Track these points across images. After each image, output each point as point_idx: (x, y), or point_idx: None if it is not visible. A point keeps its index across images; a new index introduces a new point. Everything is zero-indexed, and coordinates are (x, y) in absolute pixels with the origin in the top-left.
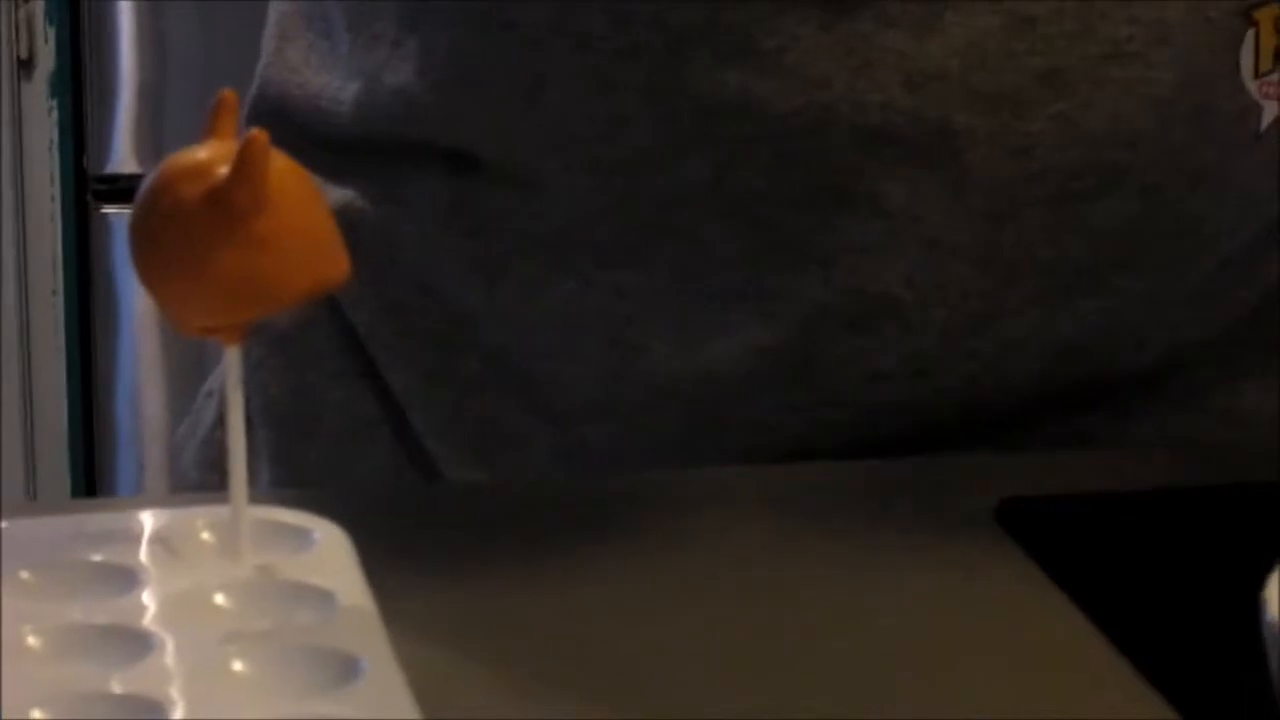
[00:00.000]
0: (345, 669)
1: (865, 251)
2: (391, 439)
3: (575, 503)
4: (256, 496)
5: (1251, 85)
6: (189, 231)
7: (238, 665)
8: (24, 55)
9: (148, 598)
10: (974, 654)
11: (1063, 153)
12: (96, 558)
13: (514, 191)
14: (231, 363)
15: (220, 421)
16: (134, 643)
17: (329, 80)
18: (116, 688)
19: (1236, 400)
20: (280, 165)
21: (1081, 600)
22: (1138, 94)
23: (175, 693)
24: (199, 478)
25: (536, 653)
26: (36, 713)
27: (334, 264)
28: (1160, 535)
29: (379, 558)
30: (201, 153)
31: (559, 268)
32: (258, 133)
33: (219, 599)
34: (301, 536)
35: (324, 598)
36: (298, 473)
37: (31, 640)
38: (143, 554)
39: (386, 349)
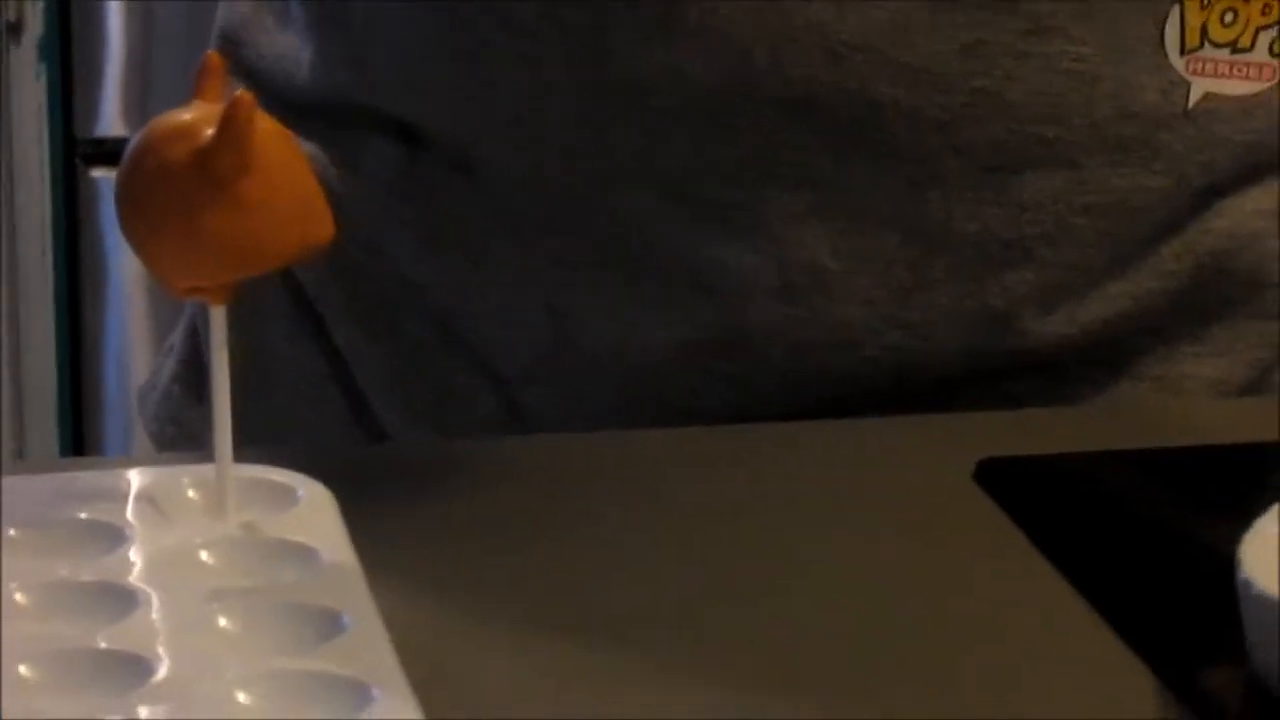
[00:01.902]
0: (329, 625)
1: (790, 220)
2: (339, 397)
3: (538, 460)
4: (240, 453)
5: (1178, 62)
6: (174, 193)
7: (222, 621)
8: (12, 20)
9: (134, 555)
10: (951, 614)
11: (985, 126)
12: (83, 516)
13: (455, 159)
14: (216, 324)
15: (177, 377)
16: (120, 599)
17: (290, 40)
18: (102, 643)
19: (1171, 367)
20: (265, 127)
21: (1059, 560)
22: (1060, 68)
23: (160, 648)
24: (158, 430)
25: (516, 606)
26: (24, 669)
27: (318, 225)
28: (1137, 495)
29: (360, 514)
30: (186, 114)
31: (498, 234)
32: (243, 94)
33: (204, 556)
34: (286, 494)
35: (308, 554)
36: (249, 429)
37: (19, 597)
38: (129, 512)
39: (334, 309)
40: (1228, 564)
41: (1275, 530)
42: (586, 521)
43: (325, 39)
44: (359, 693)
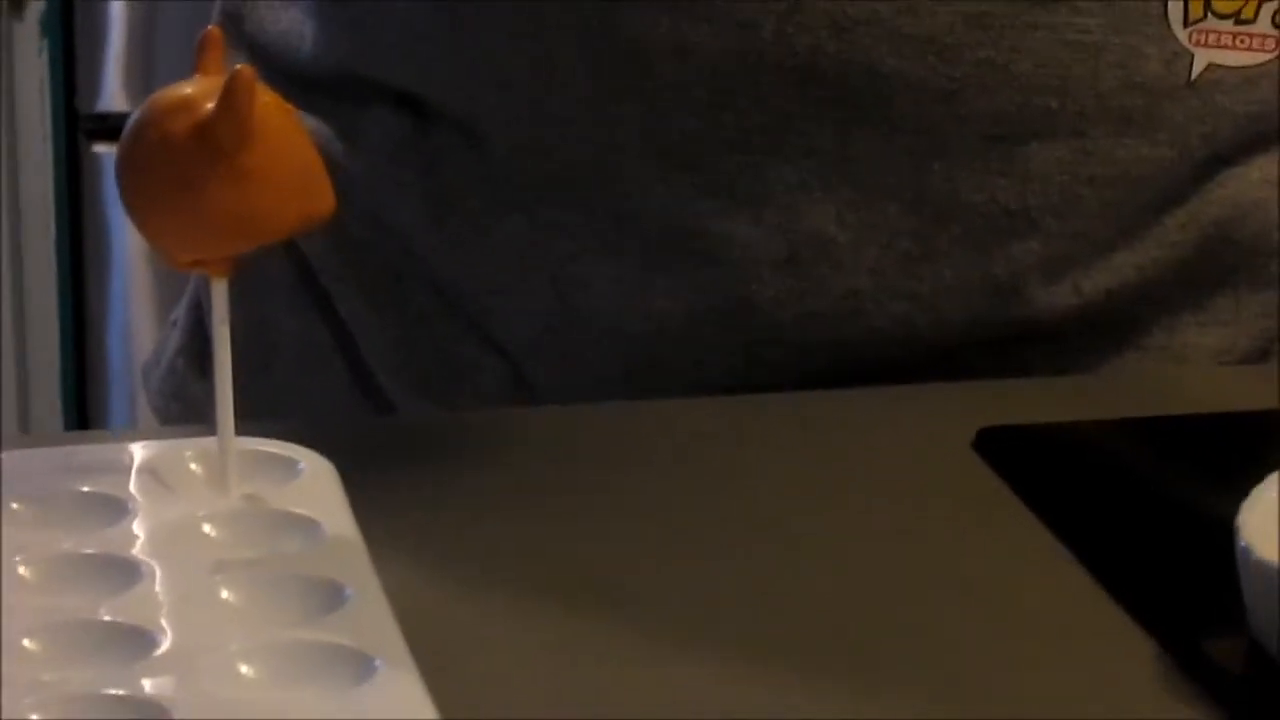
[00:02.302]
0: (331, 596)
1: (795, 191)
2: (345, 369)
3: (542, 431)
4: (244, 427)
5: (1181, 34)
6: (176, 166)
7: (225, 594)
8: None
9: (137, 527)
10: (952, 582)
11: (990, 97)
12: (86, 489)
13: (459, 130)
14: (218, 297)
15: (181, 351)
16: (123, 572)
17: (293, 14)
18: (106, 616)
19: (1174, 337)
20: (266, 100)
21: (1059, 528)
22: (1065, 39)
23: (164, 621)
24: (162, 405)
25: (519, 577)
26: (27, 641)
27: (319, 197)
28: (1136, 463)
29: (362, 487)
30: (188, 88)
31: (504, 205)
32: (244, 68)
33: (207, 529)
34: (288, 467)
35: (310, 527)
36: (255, 402)
37: (22, 570)
38: (132, 485)
39: (338, 280)
40: (1227, 531)
41: (1274, 497)
42: (589, 492)
43: (329, 11)
44: (361, 664)
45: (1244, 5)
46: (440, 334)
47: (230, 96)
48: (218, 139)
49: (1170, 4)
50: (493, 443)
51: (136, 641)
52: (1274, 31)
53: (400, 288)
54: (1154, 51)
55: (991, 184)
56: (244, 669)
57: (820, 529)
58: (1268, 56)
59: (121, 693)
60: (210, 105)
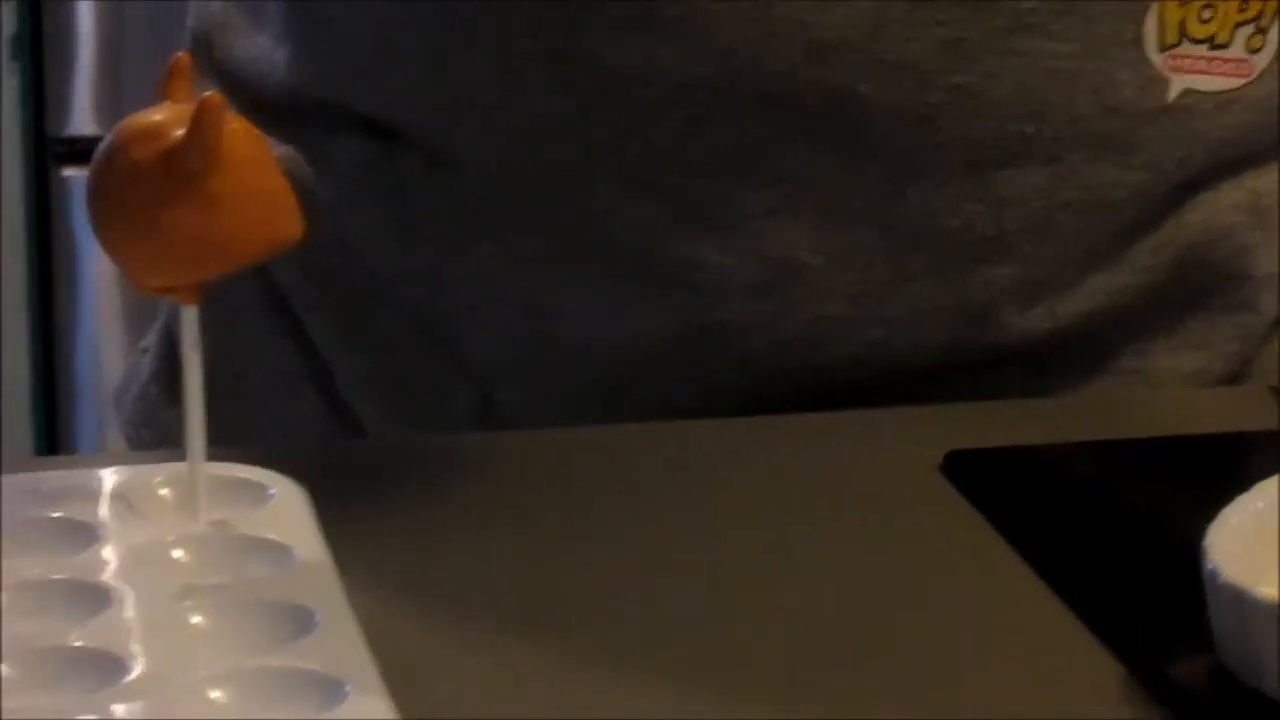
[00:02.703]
0: (301, 621)
1: (769, 217)
2: (316, 396)
3: (513, 456)
4: (214, 453)
5: (1157, 59)
6: (144, 193)
7: (195, 619)
8: None
9: (107, 553)
10: (919, 606)
11: (965, 123)
12: (56, 514)
13: (429, 156)
14: (188, 323)
15: (154, 377)
16: (93, 598)
17: (264, 41)
18: (76, 641)
19: (1148, 361)
20: (234, 127)
21: (1026, 551)
22: (1041, 65)
23: (134, 646)
24: (134, 432)
25: (490, 602)
26: None
27: (288, 223)
28: (1104, 486)
29: (333, 511)
30: (156, 115)
31: (473, 230)
32: (213, 94)
33: (176, 554)
34: (258, 492)
35: (280, 552)
36: (225, 428)
37: None
38: (102, 510)
39: (308, 308)
40: (1194, 554)
41: (1242, 520)
42: (562, 516)
43: (299, 37)
44: (331, 689)
45: (1218, 30)
46: (412, 360)
47: (198, 123)
48: (185, 165)
49: (1145, 29)
50: (464, 467)
51: (107, 667)
52: (1248, 56)
53: (371, 315)
54: (1129, 77)
55: (966, 209)
56: (214, 694)
57: (789, 552)
58: (1241, 81)
59: (92, 718)
60: (179, 132)
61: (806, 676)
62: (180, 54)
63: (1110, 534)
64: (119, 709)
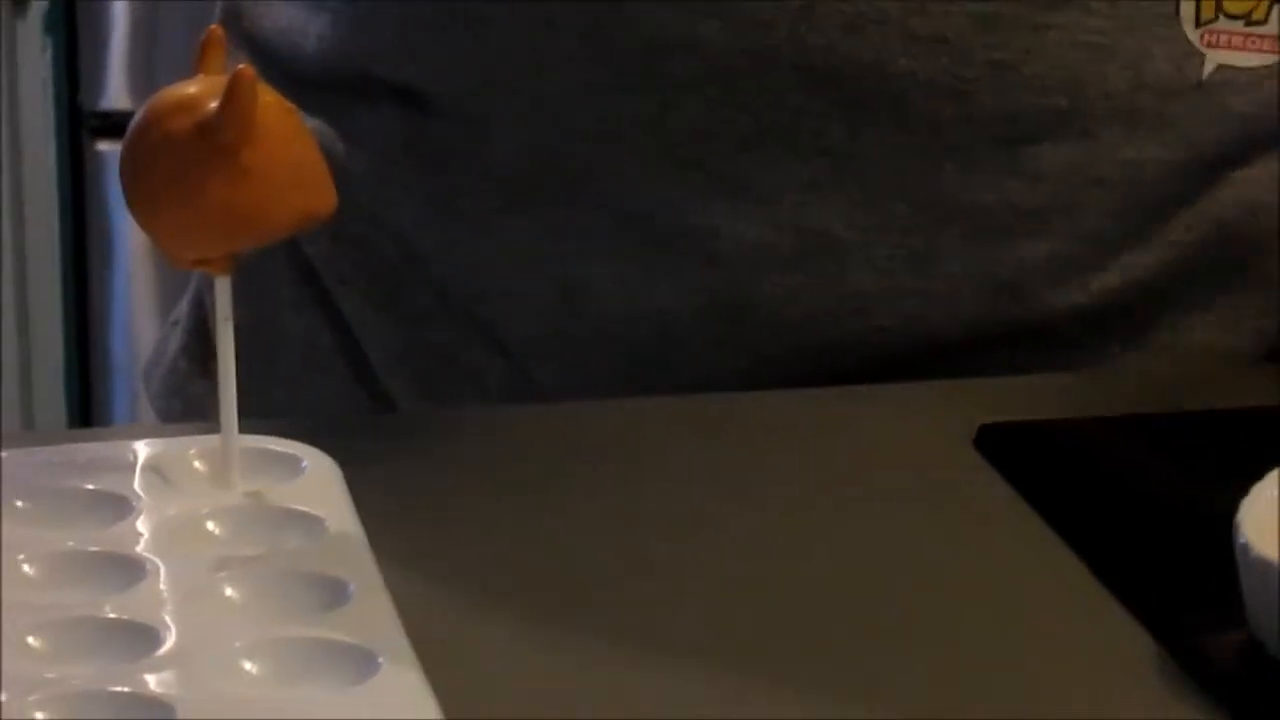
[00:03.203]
0: (334, 593)
1: (805, 190)
2: (346, 369)
3: (545, 429)
4: (246, 425)
5: (1193, 34)
6: (178, 165)
7: (229, 590)
8: None
9: (141, 525)
10: (953, 580)
11: (1001, 97)
12: (90, 486)
13: (463, 128)
14: (221, 294)
15: (183, 350)
16: (127, 569)
17: (296, 12)
18: (110, 613)
19: (1182, 336)
20: (268, 99)
21: (1060, 525)
22: (1076, 40)
23: (168, 617)
24: (164, 405)
25: (521, 575)
26: (31, 639)
27: (321, 195)
28: (1137, 460)
29: (365, 484)
30: (190, 87)
31: (507, 204)
32: (245, 67)
33: (210, 526)
34: (291, 464)
35: (313, 524)
36: (257, 401)
37: (26, 568)
38: (136, 483)
39: (340, 281)
40: (1227, 529)
41: (1274, 495)
42: (594, 490)
43: (333, 7)
44: (364, 661)
45: (1255, 6)
46: (443, 335)
47: (232, 96)
48: (220, 137)
49: (1182, 5)
50: (496, 440)
51: (140, 639)
52: None
53: (403, 289)
54: (1164, 52)
55: (1001, 184)
56: (247, 666)
57: (822, 526)
58: (1276, 58)
59: (125, 690)
60: (212, 105)
61: (840, 653)
62: (213, 27)
63: (1143, 508)
64: (152, 680)
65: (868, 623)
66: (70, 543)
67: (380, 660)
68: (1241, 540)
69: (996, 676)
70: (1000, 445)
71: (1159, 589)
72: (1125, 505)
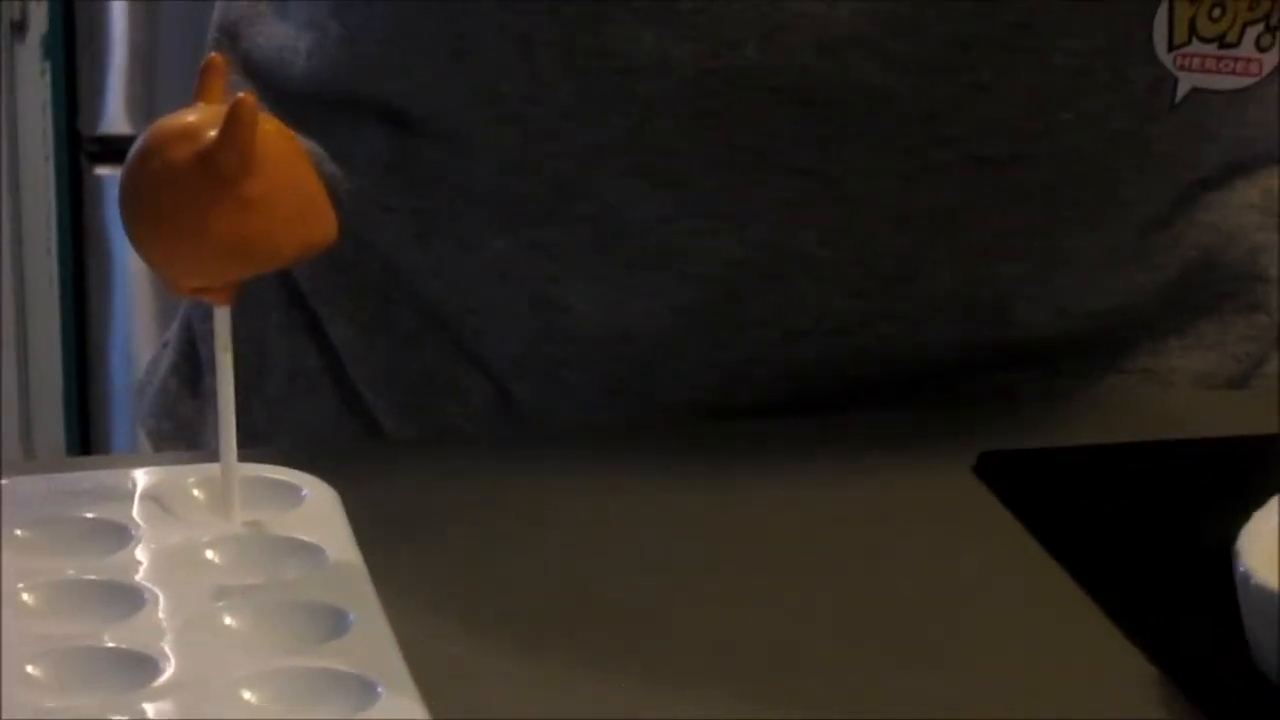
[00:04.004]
0: (334, 623)
1: (780, 209)
2: (333, 391)
3: (540, 455)
4: (244, 453)
5: (1166, 58)
6: (178, 193)
7: (228, 620)
8: (17, 18)
9: (140, 554)
10: (952, 607)
11: (976, 119)
12: (90, 515)
13: (445, 149)
14: (220, 324)
15: (173, 370)
16: (126, 598)
17: (288, 31)
18: (109, 642)
19: (1159, 360)
20: (268, 127)
21: (1059, 553)
22: (1052, 62)
23: (167, 647)
24: (154, 425)
25: (520, 602)
26: (30, 668)
27: (322, 224)
28: (1137, 488)
29: (364, 511)
30: (190, 116)
31: (488, 224)
32: (246, 96)
33: (210, 555)
34: (291, 493)
35: (313, 553)
36: (244, 423)
37: (26, 597)
38: (135, 511)
39: (327, 303)
40: (1227, 556)
41: (1274, 523)
42: (589, 516)
43: (321, 25)
44: (364, 690)
45: (1229, 29)
46: (427, 355)
47: (232, 125)
48: (220, 166)
49: (1155, 27)
50: (493, 466)
51: (140, 668)
52: (1258, 55)
53: (387, 309)
54: (1138, 75)
55: (977, 205)
56: (247, 695)
57: (821, 553)
58: (1251, 80)
59: (124, 719)
60: (213, 133)
61: (837, 678)
62: (214, 55)
63: (1143, 536)
64: (151, 710)
65: (866, 649)
66: (70, 571)
67: (380, 689)
68: (1242, 568)
69: (996, 702)
70: (1000, 472)
71: (1159, 616)
72: (1125, 532)
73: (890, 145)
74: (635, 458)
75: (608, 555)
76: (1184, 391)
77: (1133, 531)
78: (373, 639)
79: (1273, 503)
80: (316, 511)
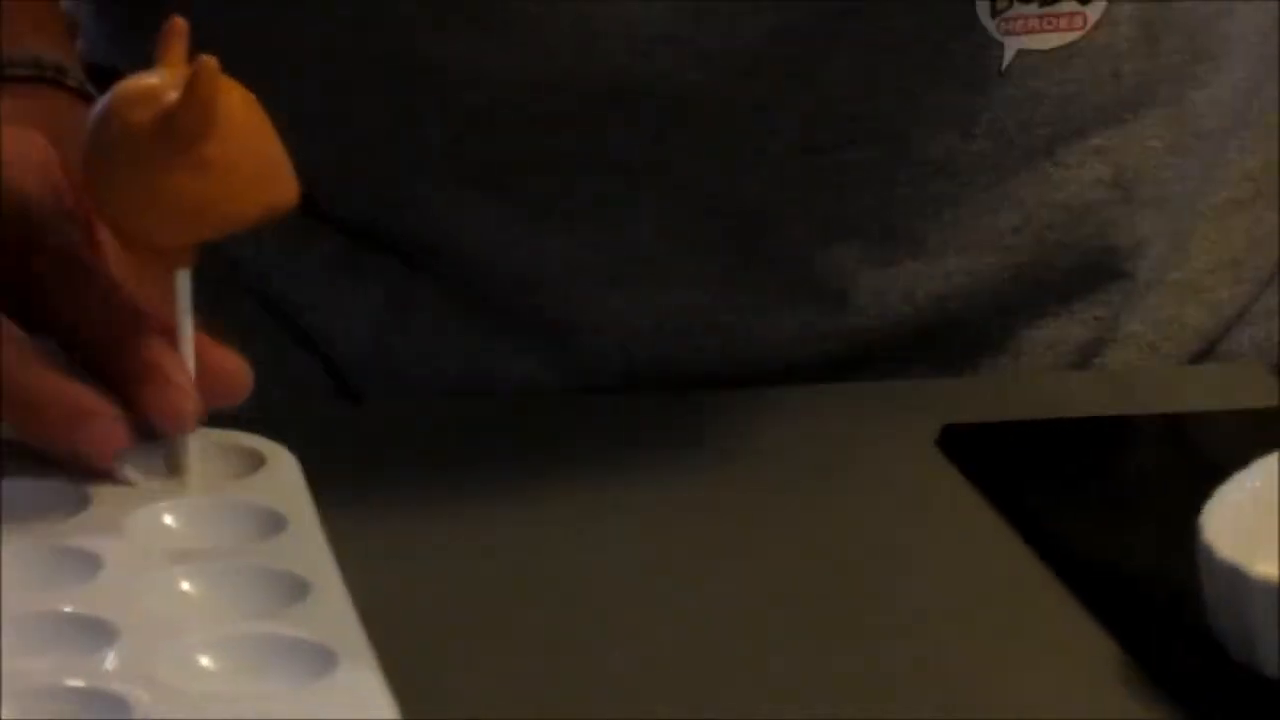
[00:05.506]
0: (293, 589)
1: (612, 208)
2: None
3: (509, 423)
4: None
5: (989, 24)
6: (140, 155)
7: (185, 585)
8: None
9: (96, 518)
10: (914, 581)
11: (801, 106)
12: (46, 478)
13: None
14: (180, 287)
15: None
16: (83, 563)
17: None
18: (65, 607)
19: (1011, 337)
20: (230, 90)
21: (1022, 527)
22: (872, 43)
23: (124, 611)
24: None
25: (481, 572)
26: None
27: (283, 188)
28: (1100, 462)
29: (325, 478)
30: (152, 78)
31: (314, 232)
32: (208, 58)
33: (167, 520)
34: (251, 458)
35: (272, 519)
36: None
37: None
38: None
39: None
40: (1189, 531)
41: (1236, 498)
42: (551, 485)
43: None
44: (322, 658)
45: None
46: (268, 340)
47: (195, 86)
48: (182, 127)
49: None
50: (459, 434)
51: (96, 632)
52: (1081, 8)
53: (228, 298)
54: (962, 47)
55: (809, 193)
56: (203, 660)
57: (782, 527)
58: (1077, 34)
59: (80, 684)
60: (174, 95)
61: (799, 655)
62: (175, 18)
63: (1106, 510)
64: (108, 674)
65: (829, 625)
66: (25, 536)
67: (338, 657)
68: (1203, 543)
69: (958, 679)
70: (963, 446)
71: (1122, 592)
72: (1088, 507)
73: (715, 139)
74: (604, 428)
75: (569, 525)
76: (1169, 368)
77: (1096, 506)
78: (331, 607)
79: (1236, 478)
80: (276, 477)
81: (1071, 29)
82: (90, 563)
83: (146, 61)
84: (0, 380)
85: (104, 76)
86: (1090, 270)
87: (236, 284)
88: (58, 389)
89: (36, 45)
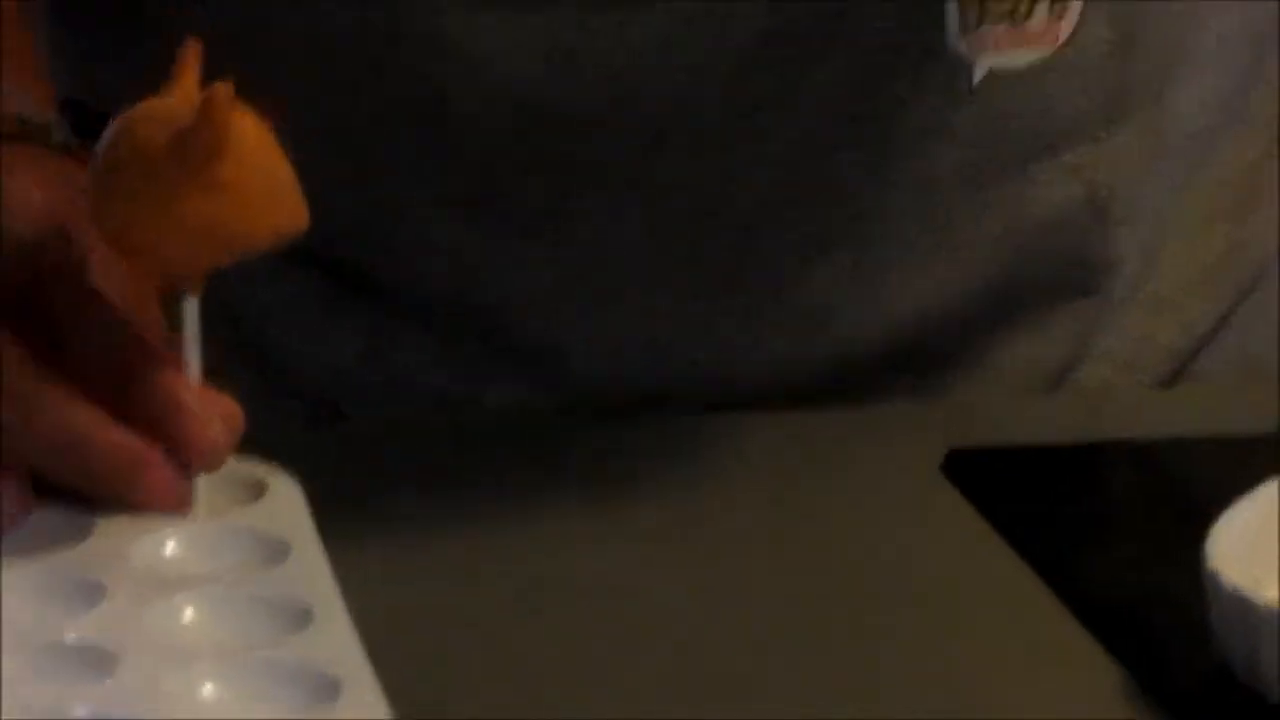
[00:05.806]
0: (296, 617)
1: (597, 221)
2: None
3: (507, 446)
4: None
5: (960, 43)
6: (152, 175)
7: (189, 613)
8: None
9: (101, 546)
10: (917, 606)
11: (784, 117)
12: (49, 506)
13: None
14: (189, 315)
15: None
16: (86, 591)
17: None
18: (70, 634)
19: (985, 355)
20: (242, 114)
21: (1027, 552)
22: (857, 52)
23: (127, 640)
24: None
25: (484, 596)
26: None
27: (293, 212)
28: (1106, 487)
29: (327, 504)
30: (164, 100)
31: (294, 258)
32: (221, 84)
33: (171, 547)
34: (254, 486)
35: (275, 546)
36: None
37: None
38: (95, 502)
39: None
40: (1195, 556)
41: (1242, 523)
42: (550, 508)
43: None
44: (326, 686)
45: (1018, 4)
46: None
47: (208, 109)
48: (194, 149)
49: (948, 13)
50: (457, 456)
51: (99, 661)
52: (1052, 24)
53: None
54: (934, 66)
55: (790, 210)
56: (208, 689)
57: (785, 550)
58: (1049, 49)
59: (84, 713)
60: (187, 117)
61: (803, 677)
62: (190, 41)
63: (1111, 535)
64: (111, 703)
65: (832, 649)
66: (30, 564)
67: (341, 685)
68: (1210, 569)
69: (963, 704)
70: (968, 471)
71: (1127, 617)
72: (1094, 532)
73: (699, 153)
74: (603, 451)
75: (569, 546)
76: (1173, 391)
77: (1101, 531)
78: (335, 634)
79: (1242, 502)
80: (279, 504)
81: (1042, 44)
82: (93, 591)
83: (108, 92)
84: (47, 427)
85: (65, 110)
86: (1064, 287)
87: (212, 314)
88: (112, 440)
89: (22, 105)
